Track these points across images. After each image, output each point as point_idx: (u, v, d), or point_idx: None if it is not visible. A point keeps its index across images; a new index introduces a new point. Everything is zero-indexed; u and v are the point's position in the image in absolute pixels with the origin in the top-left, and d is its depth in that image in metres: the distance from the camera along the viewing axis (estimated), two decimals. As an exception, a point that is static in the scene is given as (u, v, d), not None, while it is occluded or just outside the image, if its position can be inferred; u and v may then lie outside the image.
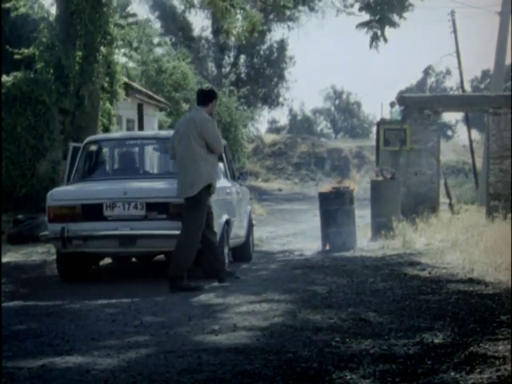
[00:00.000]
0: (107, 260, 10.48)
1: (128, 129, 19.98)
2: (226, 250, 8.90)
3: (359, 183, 25.80)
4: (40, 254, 11.42)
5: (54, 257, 9.32)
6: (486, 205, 16.82)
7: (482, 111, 19.02)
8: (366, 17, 16.29)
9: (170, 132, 11.41)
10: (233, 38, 19.44)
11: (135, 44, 20.04)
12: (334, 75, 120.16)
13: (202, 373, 4.20)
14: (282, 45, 43.96)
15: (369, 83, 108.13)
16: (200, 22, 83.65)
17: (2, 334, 5.33)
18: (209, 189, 8.06)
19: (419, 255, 10.51)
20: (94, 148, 9.87)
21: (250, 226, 10.96)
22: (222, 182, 9.42)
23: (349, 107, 66.16)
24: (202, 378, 4.09)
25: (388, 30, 16.18)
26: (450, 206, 18.93)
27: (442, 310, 6.13)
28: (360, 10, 16.34)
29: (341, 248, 11.97)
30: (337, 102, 66.87)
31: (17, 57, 14.73)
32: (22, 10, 15.20)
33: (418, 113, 16.27)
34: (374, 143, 18.61)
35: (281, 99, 46.08)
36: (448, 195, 19.67)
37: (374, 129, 18.95)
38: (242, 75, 43.60)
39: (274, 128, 60.90)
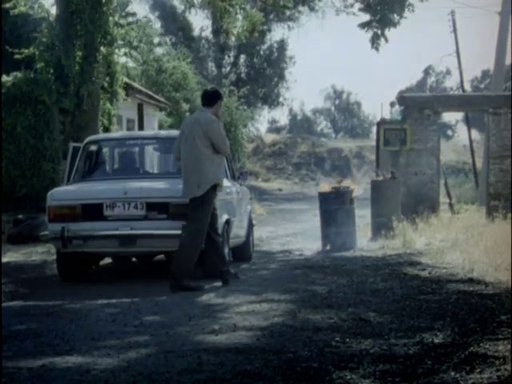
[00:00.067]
0: (107, 260, 10.48)
1: (128, 129, 19.98)
2: (226, 250, 8.89)
3: (359, 183, 25.79)
4: (40, 253, 11.42)
5: (54, 257, 9.32)
6: (486, 205, 16.83)
7: (481, 111, 19.02)
8: (366, 17, 16.30)
9: (170, 132, 11.43)
10: (233, 38, 19.42)
11: (135, 43, 20.01)
12: (334, 75, 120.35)
13: (202, 373, 4.20)
14: (281, 45, 43.99)
15: (369, 83, 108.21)
16: (200, 22, 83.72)
17: (1, 333, 5.33)
18: (214, 189, 8.06)
19: (419, 255, 10.51)
20: (94, 148, 9.87)
21: (250, 226, 10.96)
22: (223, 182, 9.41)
23: (349, 107, 66.17)
24: (202, 378, 4.09)
25: (388, 30, 16.19)
26: (450, 205, 18.93)
27: (442, 309, 6.13)
28: (360, 10, 16.34)
29: (341, 248, 11.97)
30: (337, 101, 66.90)
31: (17, 57, 14.73)
32: (22, 8, 15.19)
33: (418, 113, 16.28)
34: (374, 143, 18.62)
35: (281, 99, 46.16)
36: (448, 195, 19.68)
37: (374, 129, 18.97)
38: (242, 75, 43.61)
39: (274, 128, 60.93)
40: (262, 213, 22.85)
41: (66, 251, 8.62)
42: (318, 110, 67.03)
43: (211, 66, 43.41)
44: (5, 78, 14.62)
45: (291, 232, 16.80)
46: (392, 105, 17.01)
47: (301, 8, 30.83)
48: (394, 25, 16.00)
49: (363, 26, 16.28)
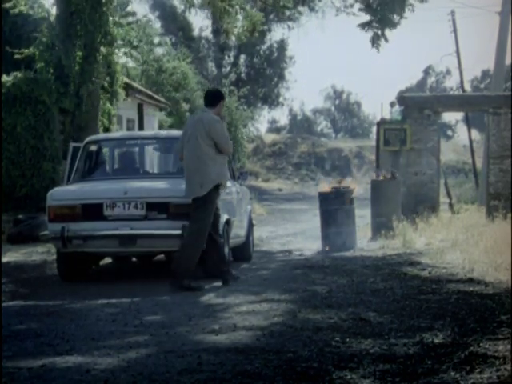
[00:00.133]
0: (107, 260, 10.48)
1: (128, 129, 19.98)
2: (226, 250, 8.89)
3: (359, 183, 25.79)
4: (40, 253, 11.42)
5: (54, 256, 9.32)
6: (486, 205, 16.83)
7: (482, 111, 19.02)
8: (366, 17, 16.30)
9: (170, 132, 11.44)
10: (233, 38, 19.43)
11: (135, 43, 20.03)
12: (334, 75, 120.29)
13: (202, 373, 4.20)
14: (281, 45, 44.00)
15: (369, 83, 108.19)
16: (200, 22, 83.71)
17: (2, 333, 5.33)
18: (217, 189, 8.06)
19: (419, 255, 10.51)
20: (94, 148, 9.87)
21: (250, 226, 10.96)
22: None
23: (349, 107, 66.15)
24: (202, 378, 4.09)
25: (388, 30, 16.19)
26: (450, 205, 18.93)
27: (442, 309, 6.13)
28: (360, 10, 16.35)
29: (341, 248, 11.97)
30: (337, 101, 66.87)
31: (17, 57, 14.73)
32: (22, 8, 15.20)
33: (418, 113, 16.27)
34: (374, 143, 18.61)
35: (281, 99, 46.16)
36: (448, 195, 19.67)
37: (374, 129, 18.96)
38: (242, 75, 43.61)
39: (274, 128, 60.92)
40: (262, 213, 22.84)
41: (65, 251, 8.62)
42: (318, 110, 67.05)
43: (211, 66, 43.42)
44: (5, 77, 14.62)
45: (291, 232, 16.80)
46: (392, 105, 17.00)
47: (301, 8, 30.80)
48: (394, 25, 16.00)
49: (363, 26, 16.29)
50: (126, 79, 18.33)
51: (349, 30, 40.61)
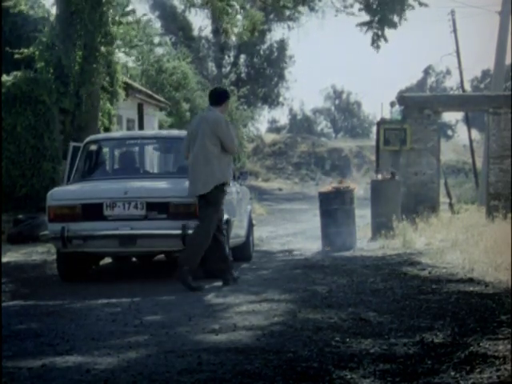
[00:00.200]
0: (107, 260, 10.48)
1: (128, 128, 19.98)
2: (226, 250, 8.89)
3: (359, 183, 25.79)
4: (40, 253, 11.42)
5: (54, 256, 9.32)
6: (486, 204, 16.82)
7: (481, 111, 19.01)
8: (365, 17, 16.31)
9: (171, 132, 11.44)
10: (233, 38, 19.45)
11: (135, 42, 20.06)
12: (334, 75, 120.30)
13: (202, 372, 4.20)
14: (281, 45, 44.00)
15: (369, 83, 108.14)
16: (200, 22, 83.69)
17: (1, 333, 5.33)
18: (223, 188, 8.07)
19: (419, 255, 10.51)
20: (94, 148, 9.87)
21: (250, 226, 10.96)
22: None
23: (349, 107, 66.13)
24: (202, 378, 4.09)
25: (388, 30, 16.20)
26: (450, 205, 18.93)
27: (442, 309, 6.13)
28: (360, 10, 16.35)
29: (341, 248, 11.97)
30: (337, 101, 66.84)
31: (17, 57, 14.74)
32: (23, 7, 15.21)
33: (418, 112, 16.27)
34: (374, 143, 18.61)
35: (281, 99, 46.17)
36: (448, 195, 19.67)
37: (374, 128, 18.95)
38: (242, 75, 43.62)
39: (274, 128, 60.91)
40: (262, 213, 22.84)
41: (65, 251, 8.62)
42: (318, 110, 67.02)
43: (211, 65, 43.41)
44: (5, 77, 14.62)
45: (291, 232, 16.80)
46: (392, 105, 17.00)
47: (301, 8, 30.79)
48: (395, 25, 16.00)
49: (363, 25, 16.28)
50: (126, 79, 18.34)
51: (349, 30, 40.66)
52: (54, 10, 15.49)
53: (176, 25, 40.50)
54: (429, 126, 16.29)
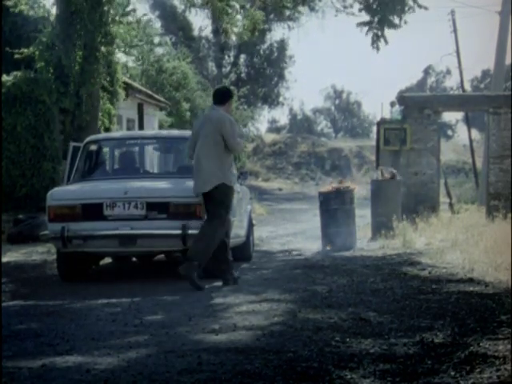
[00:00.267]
0: (107, 260, 10.48)
1: (128, 128, 19.99)
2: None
3: (359, 183, 25.79)
4: (40, 253, 11.42)
5: (54, 256, 9.32)
6: (486, 204, 16.82)
7: (481, 111, 19.01)
8: (365, 17, 16.30)
9: (171, 132, 11.43)
10: (233, 38, 19.44)
11: (135, 42, 20.07)
12: (334, 75, 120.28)
13: (202, 372, 4.20)
14: (282, 44, 44.01)
15: (369, 83, 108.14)
16: (200, 22, 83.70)
17: (2, 333, 5.33)
18: (227, 187, 8.07)
19: (419, 255, 10.50)
20: (94, 148, 9.87)
21: (250, 226, 10.96)
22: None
23: (349, 107, 66.14)
24: (202, 378, 4.09)
25: (388, 30, 16.20)
26: (450, 205, 18.93)
27: (442, 309, 6.13)
28: (360, 10, 16.34)
29: (341, 248, 11.97)
30: (337, 101, 66.85)
31: (17, 57, 14.74)
32: (23, 7, 15.21)
33: (418, 112, 16.27)
34: (374, 143, 18.61)
35: (281, 99, 46.21)
36: (448, 195, 19.67)
37: (374, 128, 18.96)
38: (242, 75, 43.63)
39: (274, 127, 60.94)
40: (262, 212, 22.84)
41: (65, 251, 8.62)
42: (318, 110, 67.03)
43: (211, 65, 43.42)
44: (5, 77, 14.62)
45: (291, 232, 16.80)
46: (392, 104, 17.00)
47: (301, 8, 30.80)
48: (395, 26, 15.99)
49: (363, 25, 16.27)
50: (126, 79, 18.34)
51: (349, 30, 40.69)
52: (54, 10, 15.50)
53: (176, 25, 40.50)
54: (429, 126, 16.29)
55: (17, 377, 4.22)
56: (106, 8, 14.50)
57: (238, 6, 16.56)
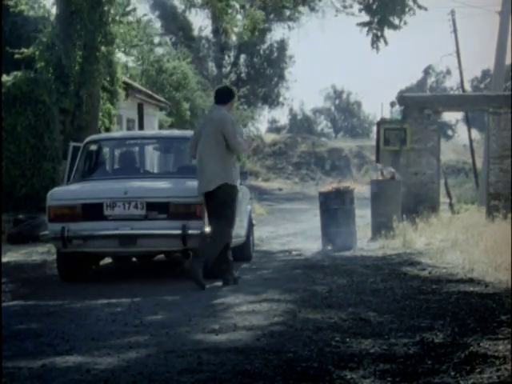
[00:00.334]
0: (107, 260, 10.48)
1: (128, 128, 19.98)
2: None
3: (359, 183, 25.78)
4: (40, 253, 11.42)
5: (54, 256, 9.32)
6: (486, 204, 16.82)
7: (482, 111, 19.01)
8: (365, 17, 16.29)
9: (172, 132, 11.43)
10: (233, 37, 19.45)
11: (135, 42, 20.08)
12: (334, 75, 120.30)
13: (202, 372, 4.20)
14: (282, 45, 44.01)
15: (369, 83, 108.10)
16: (200, 22, 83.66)
17: (2, 333, 5.33)
18: (231, 187, 8.07)
19: (419, 255, 10.50)
20: (94, 148, 9.87)
21: (250, 226, 10.96)
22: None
23: (349, 107, 66.12)
24: (202, 378, 4.09)
25: (388, 31, 16.18)
26: (450, 205, 18.92)
27: (442, 309, 6.13)
28: (360, 10, 16.34)
29: (341, 248, 11.97)
30: (337, 101, 66.84)
31: (17, 57, 14.74)
32: (23, 7, 15.21)
33: (418, 112, 16.26)
34: (374, 143, 18.60)
35: (281, 99, 46.19)
36: (448, 195, 19.67)
37: (374, 128, 18.95)
38: (242, 75, 43.62)
39: (274, 127, 60.92)
40: (262, 212, 22.83)
41: (66, 251, 8.62)
42: (318, 110, 67.01)
43: (211, 65, 43.42)
44: (5, 77, 14.62)
45: (291, 232, 16.80)
46: (392, 105, 16.99)
47: (301, 8, 30.81)
48: (394, 27, 15.98)
49: (362, 25, 16.26)
50: (126, 79, 18.33)
51: (349, 30, 40.63)
52: (54, 10, 15.50)
53: (176, 25, 40.50)
54: (429, 126, 16.28)
55: (17, 377, 4.22)
56: (106, 8, 14.50)
57: (238, 6, 16.56)
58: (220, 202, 8.01)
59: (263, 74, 44.37)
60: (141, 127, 20.34)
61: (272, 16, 37.81)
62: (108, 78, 15.75)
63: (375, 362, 4.37)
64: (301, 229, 17.32)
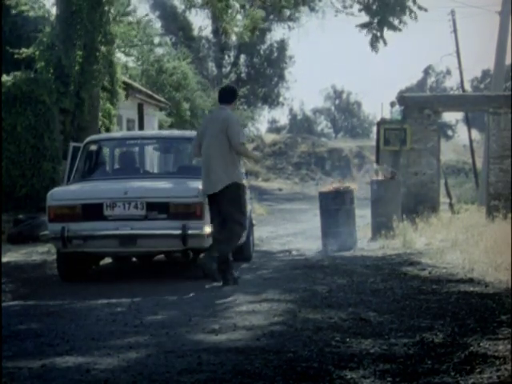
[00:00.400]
0: (107, 260, 10.48)
1: (128, 129, 19.98)
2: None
3: (359, 183, 25.77)
4: (40, 253, 11.41)
5: (54, 257, 9.32)
6: (486, 204, 16.82)
7: (482, 111, 19.01)
8: (365, 18, 16.29)
9: (172, 132, 11.42)
10: (233, 37, 19.45)
11: (135, 42, 20.11)
12: (334, 75, 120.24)
13: (202, 373, 4.20)
14: (282, 45, 44.00)
15: (369, 83, 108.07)
16: (200, 22, 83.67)
17: (2, 333, 5.33)
18: (237, 186, 8.08)
19: (419, 255, 10.50)
20: (94, 148, 9.87)
21: (250, 226, 10.95)
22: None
23: (349, 107, 66.10)
24: (202, 378, 4.09)
25: (388, 31, 16.18)
26: (451, 205, 18.92)
27: (442, 309, 6.13)
28: (360, 11, 16.34)
29: (341, 248, 11.97)
30: (337, 101, 66.81)
31: (17, 57, 14.74)
32: (23, 7, 15.21)
33: (418, 112, 16.26)
34: (374, 143, 18.59)
35: (281, 99, 46.16)
36: (448, 195, 19.67)
37: (375, 128, 18.94)
38: (242, 75, 43.61)
39: (274, 128, 60.89)
40: (262, 213, 22.83)
41: (66, 251, 8.62)
42: (318, 110, 66.98)
43: (211, 65, 43.41)
44: (5, 77, 14.62)
45: (291, 232, 16.80)
46: (392, 105, 16.99)
47: (301, 8, 30.82)
48: (394, 28, 15.98)
49: (362, 26, 16.27)
50: (126, 79, 18.33)
51: (349, 30, 40.67)
52: (54, 10, 15.51)
53: (176, 25, 40.49)
54: (429, 126, 16.28)
55: (17, 377, 4.23)
56: (106, 8, 14.50)
57: (238, 6, 16.56)
58: (229, 202, 8.02)
59: (263, 74, 44.37)
60: (141, 127, 20.34)
61: (272, 16, 37.81)
62: (108, 78, 15.74)
63: (375, 362, 4.37)
64: (301, 229, 17.32)
